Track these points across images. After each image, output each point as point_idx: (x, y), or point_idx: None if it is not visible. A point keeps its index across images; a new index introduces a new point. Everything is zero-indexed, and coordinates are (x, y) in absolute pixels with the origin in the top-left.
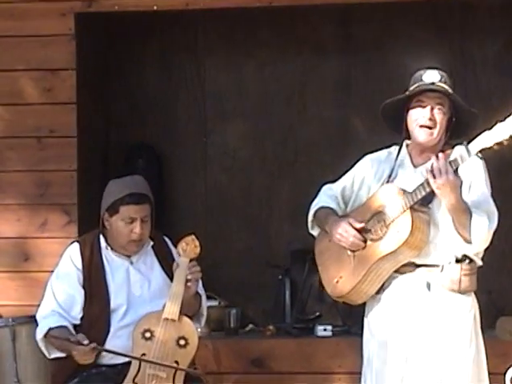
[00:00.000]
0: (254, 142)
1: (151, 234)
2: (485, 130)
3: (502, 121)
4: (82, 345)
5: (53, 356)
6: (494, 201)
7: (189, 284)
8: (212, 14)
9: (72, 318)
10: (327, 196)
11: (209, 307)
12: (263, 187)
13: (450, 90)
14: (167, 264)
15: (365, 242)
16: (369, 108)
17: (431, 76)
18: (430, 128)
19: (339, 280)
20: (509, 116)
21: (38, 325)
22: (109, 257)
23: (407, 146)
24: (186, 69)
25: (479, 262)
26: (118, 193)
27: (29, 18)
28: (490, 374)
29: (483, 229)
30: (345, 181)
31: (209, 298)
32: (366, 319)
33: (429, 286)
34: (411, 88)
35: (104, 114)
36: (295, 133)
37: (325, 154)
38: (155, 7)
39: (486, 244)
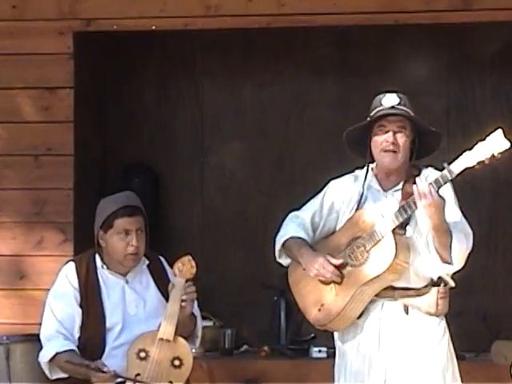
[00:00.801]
0: (251, 162)
1: (146, 253)
2: (465, 151)
3: (482, 140)
4: (102, 372)
5: (55, 377)
6: (468, 221)
7: (184, 304)
8: (210, 35)
9: (75, 339)
10: (296, 224)
11: (204, 327)
12: (259, 208)
13: (411, 113)
14: (163, 284)
15: (342, 274)
16: None
17: (390, 100)
18: (394, 152)
19: (321, 308)
20: (489, 135)
21: (41, 346)
22: (104, 276)
23: (372, 169)
24: (183, 89)
25: (452, 284)
26: (110, 208)
27: (27, 37)
28: None
29: (463, 249)
30: (312, 207)
31: (204, 318)
32: (339, 344)
33: (406, 309)
34: (372, 113)
35: (101, 133)
36: (292, 154)
37: (321, 175)
38: (154, 27)
39: (463, 264)
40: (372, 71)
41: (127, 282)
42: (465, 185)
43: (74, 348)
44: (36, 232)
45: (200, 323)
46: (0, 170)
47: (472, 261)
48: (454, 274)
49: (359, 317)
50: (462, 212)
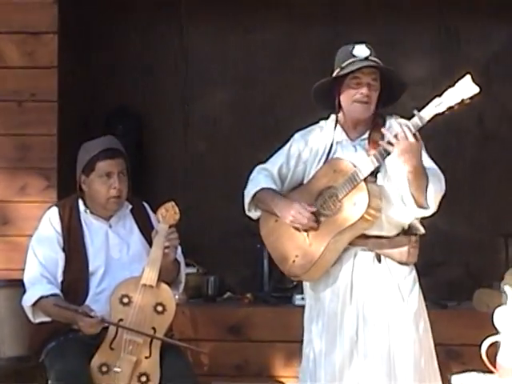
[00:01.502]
0: (236, 110)
1: (130, 198)
2: (435, 97)
3: (451, 86)
4: (90, 316)
5: (38, 321)
6: (437, 164)
7: (166, 251)
8: None
9: (59, 283)
10: (264, 176)
11: (187, 274)
12: (244, 156)
13: (380, 63)
14: (146, 229)
15: (318, 221)
16: None
17: (362, 51)
18: (366, 103)
19: (296, 259)
20: (457, 81)
21: (25, 290)
22: (88, 221)
23: (337, 120)
24: (168, 34)
25: (423, 231)
26: (92, 151)
27: None
28: (467, 345)
29: (438, 192)
30: (279, 159)
31: (187, 265)
32: (311, 293)
33: (379, 257)
34: (343, 64)
35: (85, 78)
36: (278, 102)
37: (307, 123)
38: None
39: (436, 207)
40: (361, 17)
41: (110, 226)
42: (449, 134)
43: (59, 292)
44: (19, 178)
45: (183, 269)
46: None
47: (456, 210)
48: (427, 218)
49: (332, 264)
50: (432, 158)
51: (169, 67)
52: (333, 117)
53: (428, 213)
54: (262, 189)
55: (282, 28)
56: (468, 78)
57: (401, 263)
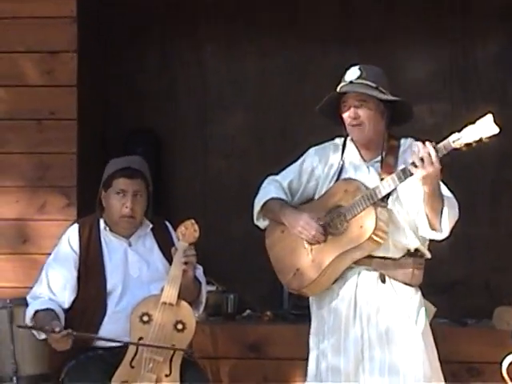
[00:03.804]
0: (254, 130)
1: (150, 216)
2: (454, 132)
3: (472, 123)
4: (54, 332)
5: (42, 337)
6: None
7: (185, 267)
8: (214, 3)
9: (61, 302)
10: (275, 187)
11: (207, 292)
12: (261, 175)
13: (372, 84)
14: (167, 248)
15: (325, 235)
16: None
17: (350, 74)
18: (359, 125)
19: (296, 273)
20: (479, 118)
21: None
22: (107, 238)
23: (352, 139)
24: (186, 55)
25: (428, 255)
26: (113, 168)
27: (31, 0)
28: (487, 363)
29: (453, 218)
30: (291, 173)
31: (207, 283)
32: (315, 309)
33: (383, 277)
34: (337, 89)
35: (104, 97)
36: (294, 122)
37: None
38: None
39: (449, 232)
40: (374, 42)
41: (130, 244)
42: (470, 156)
43: (54, 308)
44: (39, 196)
45: (204, 290)
46: (3, 135)
47: (475, 229)
48: (440, 241)
49: (334, 282)
50: (446, 185)
51: (187, 89)
52: (346, 136)
53: (440, 236)
54: (272, 198)
55: (298, 52)
56: (489, 117)
57: (405, 284)
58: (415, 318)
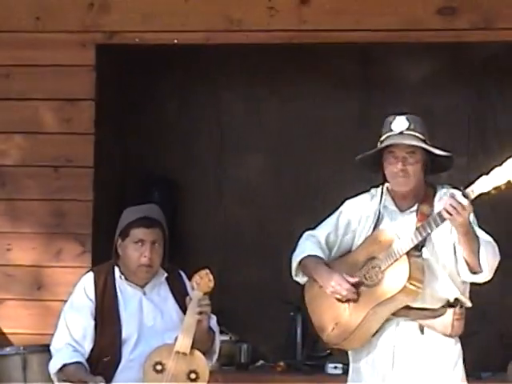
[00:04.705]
0: (271, 176)
1: (165, 265)
2: (482, 175)
3: (499, 165)
4: None
5: None
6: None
7: (199, 317)
8: (231, 49)
9: (84, 352)
10: (311, 243)
11: (220, 342)
12: (278, 222)
13: (421, 136)
14: (181, 297)
15: (358, 292)
16: None
17: (399, 124)
18: (404, 177)
19: (335, 327)
20: (506, 160)
21: (51, 356)
22: (122, 287)
23: (387, 189)
24: (204, 103)
25: (469, 304)
26: (130, 217)
27: (50, 48)
28: None
29: (493, 257)
30: (328, 227)
31: (220, 332)
32: (353, 364)
33: (422, 329)
34: (382, 138)
35: (121, 145)
36: (313, 168)
37: (342, 190)
38: (175, 41)
39: (493, 272)
40: (394, 87)
41: (145, 293)
42: (483, 204)
43: (82, 360)
44: (55, 243)
45: (218, 339)
46: (21, 181)
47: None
48: (482, 284)
49: (373, 334)
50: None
51: (204, 134)
52: (382, 186)
53: (482, 278)
54: (308, 255)
55: (317, 97)
56: None
57: (445, 335)
58: (452, 372)
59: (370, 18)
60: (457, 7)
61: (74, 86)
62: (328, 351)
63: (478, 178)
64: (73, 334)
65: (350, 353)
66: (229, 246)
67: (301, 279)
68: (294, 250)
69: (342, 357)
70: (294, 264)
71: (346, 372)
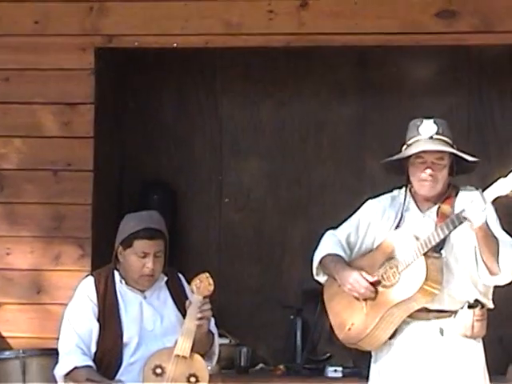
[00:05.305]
0: (269, 181)
1: (165, 269)
2: (500, 178)
3: None
4: None
5: None
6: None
7: (200, 322)
8: (231, 53)
9: (91, 354)
10: (332, 242)
11: (220, 345)
12: (276, 226)
13: (450, 141)
14: (180, 301)
15: (376, 291)
16: (384, 149)
17: (427, 129)
18: (432, 181)
19: (351, 327)
20: None
21: (57, 359)
22: (123, 291)
23: (410, 190)
24: (203, 106)
25: (491, 305)
26: (133, 227)
27: (49, 52)
28: None
29: (511, 255)
30: (349, 227)
31: (220, 336)
32: (374, 365)
33: (442, 331)
34: (409, 142)
35: (120, 148)
36: (310, 173)
37: (339, 194)
38: (175, 44)
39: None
40: (391, 91)
41: (145, 297)
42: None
43: (92, 364)
44: (54, 247)
45: (217, 341)
46: (20, 185)
47: None
48: (503, 286)
49: (392, 337)
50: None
51: (203, 138)
52: (404, 187)
53: (502, 279)
54: (329, 254)
55: (314, 100)
56: None
57: (465, 336)
58: (474, 372)
59: (368, 21)
60: (456, 10)
61: (73, 90)
62: (328, 355)
63: (495, 181)
64: (80, 336)
65: (372, 354)
66: (227, 251)
67: (321, 278)
68: (315, 249)
69: (342, 360)
70: (315, 263)
71: (345, 375)
